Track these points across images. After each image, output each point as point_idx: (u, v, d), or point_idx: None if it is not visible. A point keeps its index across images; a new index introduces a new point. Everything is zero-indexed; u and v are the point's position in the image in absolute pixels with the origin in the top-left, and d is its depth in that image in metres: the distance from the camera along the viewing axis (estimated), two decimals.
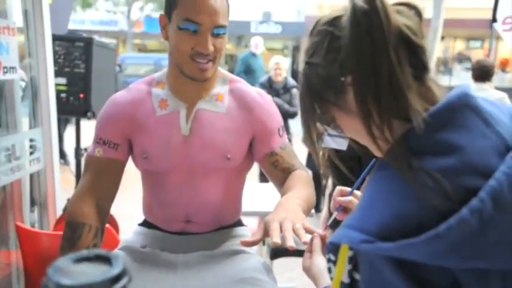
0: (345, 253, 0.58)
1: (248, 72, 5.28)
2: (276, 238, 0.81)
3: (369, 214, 0.57)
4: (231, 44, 18.85)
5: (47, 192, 1.98)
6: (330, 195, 1.20)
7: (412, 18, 0.62)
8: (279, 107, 3.89)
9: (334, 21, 0.64)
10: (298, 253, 2.26)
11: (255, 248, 1.24)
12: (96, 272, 0.42)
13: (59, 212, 2.06)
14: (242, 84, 1.19)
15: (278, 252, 2.27)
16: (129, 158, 1.17)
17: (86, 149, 3.93)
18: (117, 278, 0.42)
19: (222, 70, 1.20)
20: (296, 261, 1.72)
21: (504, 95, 3.21)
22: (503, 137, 0.56)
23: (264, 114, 1.16)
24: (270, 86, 4.02)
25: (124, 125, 1.12)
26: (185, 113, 1.12)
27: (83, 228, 1.05)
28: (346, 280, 0.63)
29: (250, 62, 5.37)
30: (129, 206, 2.51)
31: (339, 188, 0.89)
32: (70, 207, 1.09)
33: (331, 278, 0.67)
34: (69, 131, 4.14)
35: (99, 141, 1.12)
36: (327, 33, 0.64)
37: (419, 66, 0.61)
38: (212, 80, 1.14)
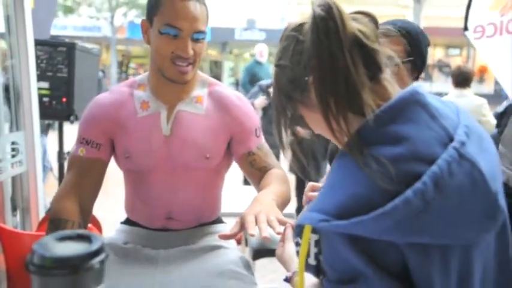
0: (307, 234, 0.64)
1: (254, 81, 4.90)
2: (251, 230, 0.86)
3: (328, 197, 0.63)
4: (216, 51, 18.95)
5: (29, 195, 1.99)
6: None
7: (366, 24, 0.69)
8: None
9: (299, 27, 0.71)
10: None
11: (233, 243, 1.29)
12: (78, 248, 0.47)
13: (42, 215, 2.07)
14: (221, 87, 1.25)
15: (260, 252, 2.32)
16: (111, 158, 1.21)
17: (68, 153, 3.92)
18: (95, 253, 0.47)
19: (202, 74, 1.26)
20: (278, 263, 1.77)
21: (484, 101, 3.31)
22: (447, 129, 0.63)
23: (242, 116, 1.21)
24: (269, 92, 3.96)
25: (106, 126, 1.16)
26: (166, 114, 1.17)
27: (66, 224, 1.09)
28: (313, 262, 0.69)
29: (256, 71, 5.06)
30: (111, 210, 2.53)
31: (310, 184, 0.95)
32: (54, 204, 1.12)
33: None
34: (51, 136, 4.14)
35: (82, 141, 1.16)
36: (292, 38, 0.72)
37: (373, 67, 0.67)
38: (192, 83, 1.19)
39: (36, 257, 0.46)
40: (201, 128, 1.17)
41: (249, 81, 5.04)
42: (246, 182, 3.84)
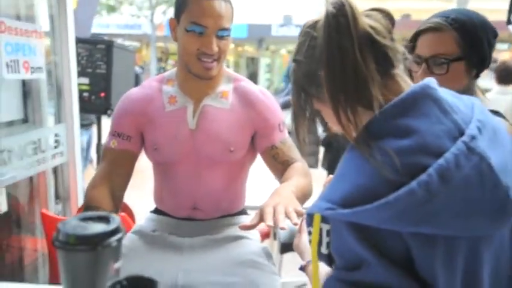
0: (317, 223, 0.67)
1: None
2: (269, 221, 0.88)
3: (336, 187, 0.65)
4: (252, 47, 19.03)
5: (69, 185, 2.11)
6: None
7: (379, 21, 0.70)
8: None
9: (314, 24, 0.74)
10: None
11: (256, 235, 1.33)
12: (98, 227, 0.52)
13: (81, 204, 2.20)
14: (246, 82, 1.29)
15: (288, 246, 2.35)
16: (141, 150, 1.28)
17: None
18: (113, 232, 0.52)
19: (227, 70, 1.30)
20: None
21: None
22: (458, 123, 0.64)
23: (266, 111, 1.25)
24: None
25: (136, 119, 1.23)
26: (192, 108, 1.22)
27: (98, 211, 1.16)
28: (325, 251, 0.71)
29: None
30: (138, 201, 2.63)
31: (330, 176, 0.97)
32: (87, 192, 1.20)
33: None
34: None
35: (114, 133, 1.23)
36: (307, 34, 0.74)
37: (385, 62, 0.69)
38: (217, 79, 1.23)
39: (61, 235, 0.51)
40: (226, 122, 1.22)
41: (287, 75, 5.09)
42: None
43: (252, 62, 19.71)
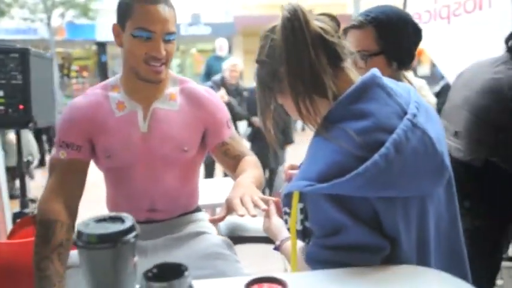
0: (296, 200, 0.77)
1: (209, 75, 4.90)
2: (241, 211, 0.95)
3: (309, 167, 0.76)
4: None
5: None
6: None
7: (327, 23, 0.83)
8: (233, 107, 3.97)
9: (273, 28, 0.85)
10: (254, 240, 2.44)
11: (214, 229, 1.39)
12: (115, 226, 0.56)
13: (9, 225, 2.06)
14: (191, 83, 1.34)
15: (234, 239, 2.44)
16: (91, 158, 1.27)
17: (28, 161, 3.79)
18: (130, 230, 0.56)
19: (172, 72, 1.34)
20: (252, 248, 1.89)
21: (423, 82, 3.58)
22: (402, 105, 0.79)
23: (214, 109, 1.32)
24: (223, 86, 4.05)
25: (85, 128, 1.22)
26: (142, 112, 1.24)
27: (55, 224, 1.14)
28: (299, 227, 0.82)
29: (212, 65, 5.07)
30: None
31: (290, 163, 1.08)
32: (41, 206, 1.17)
33: (288, 229, 0.85)
34: None
35: (61, 144, 1.21)
36: (267, 37, 0.86)
37: (334, 57, 0.82)
38: (164, 82, 1.27)
39: (83, 236, 0.54)
40: (177, 122, 1.26)
41: (207, 75, 5.03)
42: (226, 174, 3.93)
43: None
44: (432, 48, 3.44)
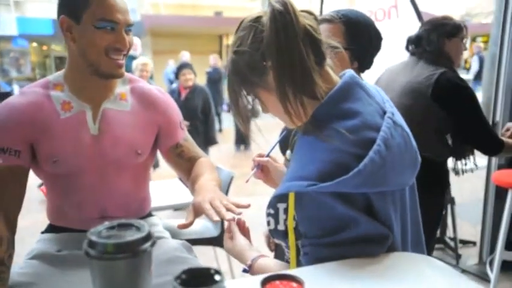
0: (292, 200, 0.76)
1: None
2: (215, 216, 0.92)
3: (304, 168, 0.76)
4: (60, 46, 17.20)
5: None
6: None
7: (311, 20, 0.83)
8: None
9: (257, 19, 0.81)
10: (205, 241, 2.39)
11: (168, 233, 1.34)
12: (131, 234, 0.52)
13: None
14: (142, 83, 1.27)
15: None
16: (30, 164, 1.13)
17: None
18: (147, 237, 0.52)
19: None
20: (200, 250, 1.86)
21: None
22: (379, 104, 0.83)
23: (167, 109, 1.26)
24: None
25: (25, 130, 1.09)
26: (91, 113, 1.15)
27: None
28: (282, 228, 0.81)
29: (129, 65, 4.82)
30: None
31: (258, 152, 1.07)
32: None
33: (270, 230, 0.84)
34: None
35: None
36: (251, 28, 0.81)
37: (320, 54, 0.82)
38: (114, 80, 1.19)
39: (98, 245, 0.49)
40: (129, 124, 1.19)
41: None
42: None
43: (61, 61, 17.85)
44: (387, 46, 3.68)
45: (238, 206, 0.97)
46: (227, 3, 16.82)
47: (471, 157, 1.98)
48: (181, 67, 4.34)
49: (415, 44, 1.96)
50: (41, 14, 14.70)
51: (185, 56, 7.09)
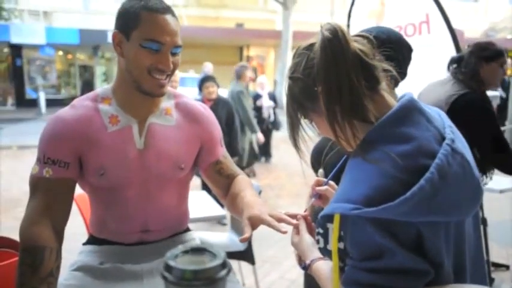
0: (337, 222, 0.76)
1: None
2: (282, 228, 0.95)
3: (352, 190, 0.75)
4: (84, 55, 17.62)
5: None
6: None
7: (365, 45, 0.83)
8: None
9: (310, 46, 0.84)
10: (231, 255, 2.39)
11: None
12: (208, 260, 0.52)
13: None
14: (186, 98, 1.28)
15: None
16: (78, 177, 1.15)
17: None
18: (224, 264, 0.52)
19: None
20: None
21: None
22: (439, 129, 0.80)
23: (210, 125, 1.27)
24: None
25: (74, 143, 1.11)
26: (137, 127, 1.16)
27: (44, 251, 1.01)
28: (331, 247, 0.80)
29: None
30: None
31: (316, 178, 1.06)
32: (25, 231, 1.03)
33: (320, 248, 0.84)
34: None
35: (46, 161, 1.09)
36: (304, 55, 0.84)
37: (372, 79, 0.81)
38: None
39: (175, 270, 0.49)
40: (174, 139, 1.20)
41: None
42: (203, 187, 3.79)
43: (85, 70, 18.26)
44: None
45: (292, 217, 0.99)
46: (249, 16, 17.02)
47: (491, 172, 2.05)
48: (205, 80, 4.36)
49: (457, 64, 2.04)
50: (67, 24, 15.14)
51: (208, 67, 7.12)
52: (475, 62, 1.96)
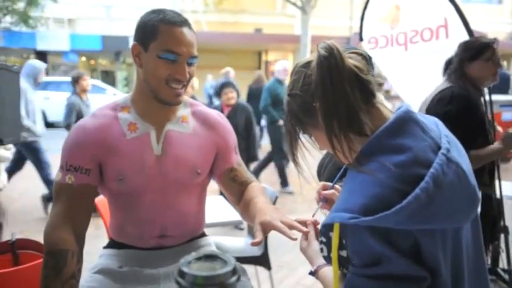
0: (337, 231, 0.78)
1: (277, 103, 4.76)
2: (293, 234, 0.97)
3: (350, 200, 0.77)
4: (106, 60, 18.03)
5: None
6: None
7: (359, 61, 0.86)
8: None
9: (307, 64, 0.88)
10: (247, 260, 2.41)
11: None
12: (219, 267, 0.54)
13: None
14: (201, 106, 1.32)
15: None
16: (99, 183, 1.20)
17: None
18: (235, 271, 0.55)
19: None
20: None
21: None
22: (434, 139, 0.82)
23: (226, 133, 1.30)
24: None
25: (95, 150, 1.15)
26: (155, 134, 1.20)
27: (67, 254, 1.06)
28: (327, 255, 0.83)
29: (279, 92, 4.82)
30: None
31: (321, 183, 1.09)
32: (49, 235, 1.08)
33: (324, 256, 0.87)
34: None
35: (69, 168, 1.14)
36: (301, 72, 0.88)
37: (367, 93, 0.84)
38: None
39: (187, 276, 0.52)
40: (191, 145, 1.23)
41: (272, 103, 4.84)
42: (221, 192, 3.84)
43: (107, 75, 18.66)
44: (389, 71, 3.64)
45: (302, 223, 1.01)
46: (267, 21, 17.09)
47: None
48: (224, 86, 4.39)
49: (447, 66, 2.10)
50: (90, 30, 15.52)
51: (230, 72, 7.09)
52: (459, 63, 2.02)
